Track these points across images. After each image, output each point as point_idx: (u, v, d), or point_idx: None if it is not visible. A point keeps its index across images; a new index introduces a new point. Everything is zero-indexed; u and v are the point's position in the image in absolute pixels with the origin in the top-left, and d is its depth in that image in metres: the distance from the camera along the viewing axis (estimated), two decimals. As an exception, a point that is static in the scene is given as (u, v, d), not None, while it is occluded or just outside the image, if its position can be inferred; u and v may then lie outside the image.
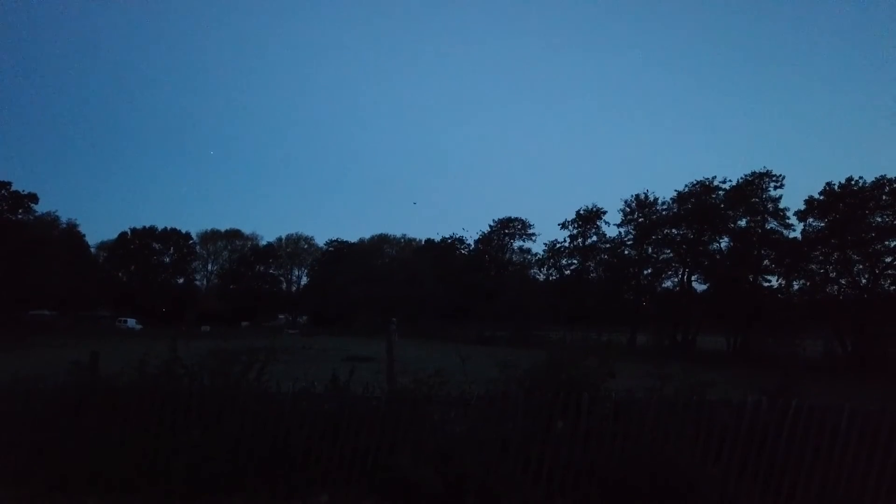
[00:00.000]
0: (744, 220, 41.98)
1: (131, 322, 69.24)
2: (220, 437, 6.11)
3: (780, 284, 40.38)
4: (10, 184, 61.21)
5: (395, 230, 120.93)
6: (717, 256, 43.47)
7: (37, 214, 67.17)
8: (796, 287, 39.16)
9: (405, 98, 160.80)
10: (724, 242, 43.62)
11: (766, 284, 41.05)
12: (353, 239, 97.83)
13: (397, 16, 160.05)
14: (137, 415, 6.25)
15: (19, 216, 62.79)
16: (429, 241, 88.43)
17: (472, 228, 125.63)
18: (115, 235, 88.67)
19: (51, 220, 73.68)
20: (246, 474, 5.99)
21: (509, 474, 5.91)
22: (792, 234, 39.99)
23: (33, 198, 62.57)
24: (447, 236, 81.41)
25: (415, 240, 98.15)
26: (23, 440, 6.22)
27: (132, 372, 6.81)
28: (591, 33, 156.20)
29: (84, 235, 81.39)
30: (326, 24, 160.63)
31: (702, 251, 43.77)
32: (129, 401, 6.29)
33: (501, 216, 72.20)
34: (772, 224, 40.87)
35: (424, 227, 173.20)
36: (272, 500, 5.86)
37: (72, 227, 78.40)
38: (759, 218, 41.25)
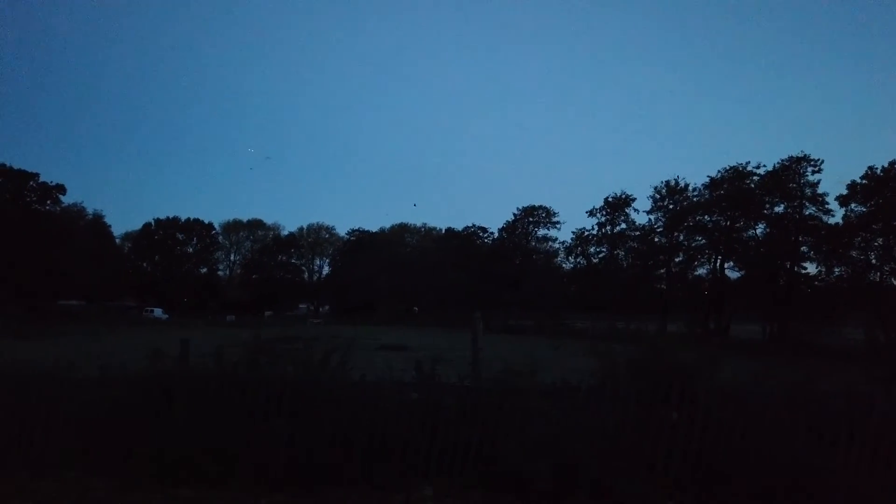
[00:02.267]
0: (781, 206, 40.92)
1: (158, 312, 69.95)
2: (314, 427, 5.83)
3: (818, 271, 39.49)
4: (37, 175, 61.85)
5: (416, 219, 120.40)
6: (752, 243, 42.53)
7: (63, 205, 67.96)
8: (836, 274, 38.25)
9: (427, 87, 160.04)
10: (759, 229, 42.68)
11: (803, 271, 40.12)
12: (374, 228, 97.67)
13: (422, 2, 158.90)
14: (227, 404, 5.98)
15: (48, 207, 63.43)
16: (449, 229, 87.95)
17: (493, 218, 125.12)
18: (139, 226, 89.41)
19: (77, 211, 74.44)
20: (344, 466, 5.71)
21: (622, 467, 5.56)
22: (831, 220, 39.11)
23: (61, 189, 63.17)
24: (469, 225, 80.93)
25: (435, 228, 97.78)
26: (107, 429, 5.99)
27: (211, 360, 6.59)
28: (617, 18, 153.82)
29: (110, 226, 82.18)
30: (351, 10, 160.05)
31: (736, 238, 42.81)
32: (219, 390, 6.02)
33: (524, 205, 71.56)
34: (810, 210, 39.96)
35: (445, 216, 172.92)
36: (373, 493, 5.56)
37: (98, 218, 79.15)
38: (796, 203, 40.23)
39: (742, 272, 43.65)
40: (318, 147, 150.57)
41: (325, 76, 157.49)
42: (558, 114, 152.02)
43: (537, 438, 5.67)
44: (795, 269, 40.28)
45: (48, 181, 62.72)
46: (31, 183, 61.54)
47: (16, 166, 61.18)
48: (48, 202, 63.20)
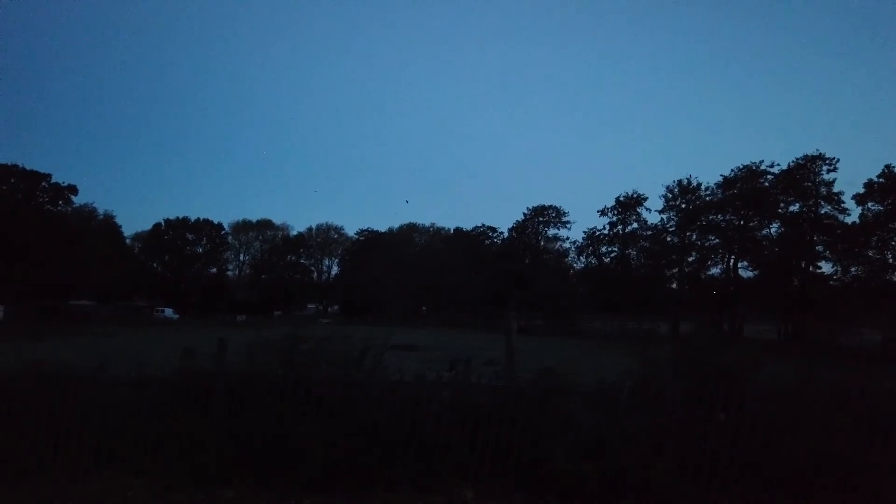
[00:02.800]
0: (796, 205, 40.52)
1: (168, 312, 70.26)
2: (354, 428, 5.76)
3: (834, 271, 39.08)
4: (50, 176, 62.23)
5: (424, 219, 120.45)
6: (765, 243, 42.17)
7: (75, 206, 68.36)
8: (852, 273, 37.82)
9: (436, 86, 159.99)
10: (773, 228, 42.28)
11: (818, 271, 39.67)
12: (383, 228, 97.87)
13: (429, 4, 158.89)
14: (267, 404, 5.91)
15: (60, 208, 63.80)
16: (458, 229, 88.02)
17: (502, 218, 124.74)
18: (149, 226, 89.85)
19: (89, 212, 74.88)
20: (384, 467, 5.63)
21: (669, 469, 5.45)
22: (847, 219, 38.65)
23: (73, 189, 63.54)
24: (478, 225, 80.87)
25: (444, 228, 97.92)
26: (145, 430, 5.93)
27: (234, 360, 6.52)
28: (630, 16, 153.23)
29: (121, 227, 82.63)
30: (362, 11, 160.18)
31: (750, 237, 42.44)
32: (258, 390, 5.95)
33: (534, 204, 71.39)
34: (825, 209, 39.51)
35: (454, 216, 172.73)
36: (415, 495, 5.47)
37: (108, 219, 79.60)
38: (811, 202, 39.83)
39: (756, 272, 43.26)
40: (327, 147, 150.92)
41: (335, 76, 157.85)
42: (567, 113, 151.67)
43: (582, 440, 5.57)
44: (810, 268, 39.89)
45: (60, 182, 63.13)
46: (44, 183, 61.95)
47: (28, 167, 61.61)
48: (60, 203, 63.54)
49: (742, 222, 43.10)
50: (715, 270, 46.21)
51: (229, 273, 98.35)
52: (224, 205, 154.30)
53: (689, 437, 5.59)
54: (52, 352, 13.50)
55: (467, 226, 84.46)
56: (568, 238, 64.72)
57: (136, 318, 64.70)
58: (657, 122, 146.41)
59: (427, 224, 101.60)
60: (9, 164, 60.52)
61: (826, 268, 39.74)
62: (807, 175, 39.78)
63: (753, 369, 6.23)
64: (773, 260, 40.21)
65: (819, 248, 39.66)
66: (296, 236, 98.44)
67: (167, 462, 5.76)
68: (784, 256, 39.70)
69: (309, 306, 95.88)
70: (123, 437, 5.92)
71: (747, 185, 42.25)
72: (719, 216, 44.27)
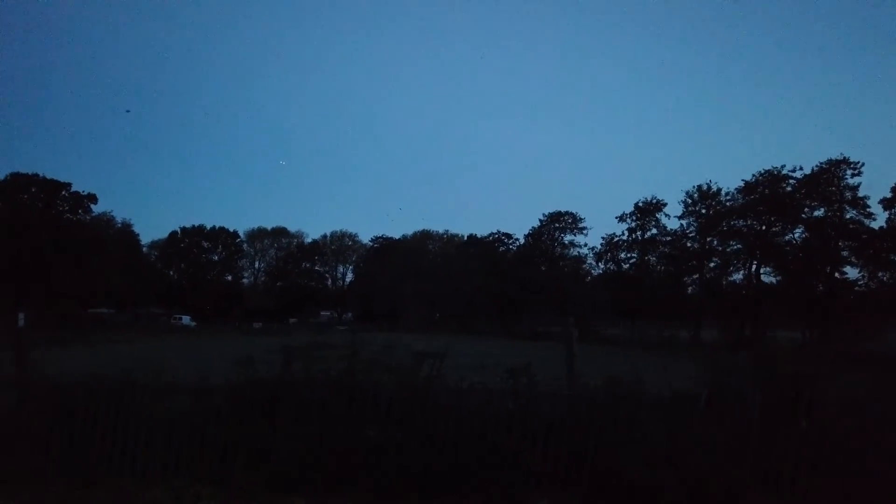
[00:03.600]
0: (821, 210, 40.02)
1: (186, 319, 70.69)
2: (423, 435, 5.67)
3: (860, 276, 38.51)
4: (69, 185, 62.90)
5: (437, 226, 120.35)
6: (787, 248, 41.70)
7: (94, 215, 69.03)
8: (879, 279, 37.24)
9: (448, 93, 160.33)
10: (797, 233, 41.80)
11: (844, 276, 39.14)
12: (397, 235, 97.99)
13: (441, 7, 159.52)
14: (332, 411, 5.84)
15: (79, 216, 64.44)
16: (471, 236, 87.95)
17: (516, 224, 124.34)
18: (165, 234, 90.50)
19: (107, 220, 75.57)
20: (455, 475, 5.53)
21: (748, 478, 5.32)
22: (874, 224, 38.06)
23: (93, 198, 64.12)
24: (494, 231, 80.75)
25: (457, 235, 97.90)
26: (209, 437, 5.87)
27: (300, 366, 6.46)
28: (645, 19, 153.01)
29: (138, 235, 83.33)
30: (375, 19, 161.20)
31: (773, 242, 42.00)
32: (326, 398, 5.88)
33: (546, 211, 71.12)
34: (851, 213, 39.01)
35: (467, 223, 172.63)
36: (486, 502, 5.38)
37: (126, 227, 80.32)
38: (835, 207, 39.34)
39: (779, 278, 42.77)
40: (341, 154, 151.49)
41: (348, 83, 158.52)
42: (582, 119, 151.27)
43: (658, 449, 5.45)
44: (835, 274, 39.37)
45: (80, 191, 63.79)
46: (64, 192, 62.59)
47: (48, 176, 62.28)
48: (80, 211, 64.19)
49: (764, 227, 42.63)
50: (737, 276, 45.76)
51: (244, 280, 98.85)
52: (239, 212, 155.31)
53: (768, 445, 5.46)
54: (87, 360, 13.49)
55: (481, 233, 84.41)
56: (586, 244, 64.26)
57: (155, 325, 65.18)
58: (674, 127, 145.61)
59: (441, 231, 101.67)
60: (29, 173, 61.33)
61: (852, 273, 39.23)
62: (831, 179, 39.35)
63: (831, 377, 6.10)
64: (797, 265, 39.70)
65: (844, 253, 39.13)
66: (310, 243, 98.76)
67: (235, 470, 5.71)
68: (808, 262, 39.17)
69: (322, 313, 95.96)
70: (189, 445, 5.87)
71: (769, 189, 41.84)
72: (741, 221, 43.83)
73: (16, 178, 60.22)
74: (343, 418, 5.80)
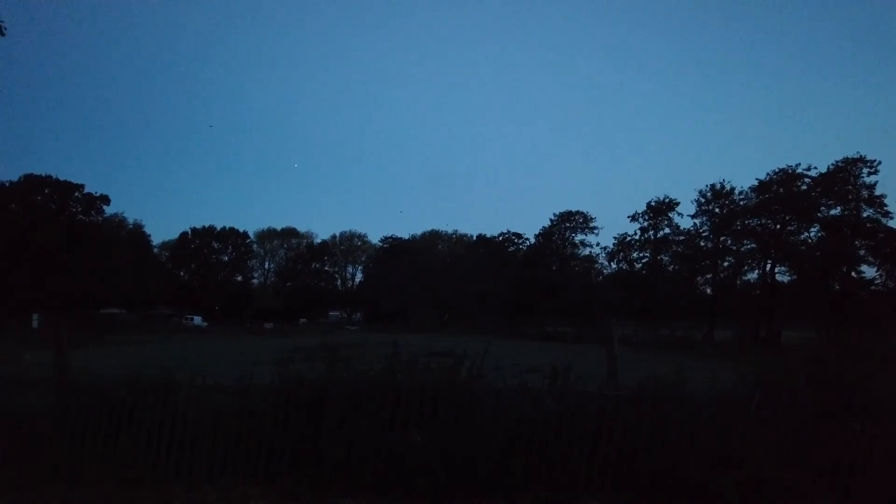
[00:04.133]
0: (837, 209, 39.65)
1: (197, 319, 71.00)
2: (467, 436, 5.61)
3: (878, 275, 38.11)
4: (83, 186, 63.35)
5: (446, 226, 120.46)
6: (802, 247, 41.37)
7: (105, 216, 69.47)
8: (897, 278, 36.92)
9: (457, 93, 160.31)
10: (813, 232, 41.41)
11: (860, 276, 38.75)
12: (405, 235, 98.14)
13: (452, 8, 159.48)
14: (377, 412, 5.78)
15: (92, 218, 64.86)
16: (480, 236, 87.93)
17: (524, 224, 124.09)
18: (176, 235, 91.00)
19: (118, 221, 76.07)
20: (502, 476, 5.48)
21: (804, 480, 5.23)
22: (890, 223, 37.62)
23: (105, 199, 64.60)
24: (504, 231, 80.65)
25: (466, 235, 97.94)
26: (254, 438, 5.83)
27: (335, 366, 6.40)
28: (653, 19, 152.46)
29: (149, 236, 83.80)
30: (384, 19, 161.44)
31: (789, 242, 41.67)
32: (371, 398, 5.82)
33: (557, 211, 70.98)
34: (867, 212, 38.63)
35: (476, 223, 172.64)
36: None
37: (138, 228, 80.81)
38: (851, 206, 38.97)
39: (794, 277, 42.41)
40: (350, 155, 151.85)
41: (358, 84, 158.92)
42: (592, 118, 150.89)
43: (710, 450, 5.37)
44: (852, 273, 39.01)
45: (93, 192, 64.21)
46: (77, 194, 63.02)
47: (61, 178, 62.74)
48: (92, 213, 64.61)
49: (779, 227, 42.30)
50: (751, 275, 45.40)
51: (254, 281, 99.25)
52: (249, 213, 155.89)
53: (822, 447, 5.38)
54: (104, 361, 13.52)
55: (490, 233, 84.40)
56: (598, 244, 64.01)
57: (167, 326, 65.47)
58: (686, 127, 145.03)
59: (450, 231, 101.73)
60: (42, 175, 61.80)
61: (869, 272, 38.84)
62: (847, 178, 38.98)
63: (884, 377, 6.01)
64: (812, 264, 39.36)
65: (861, 251, 38.76)
66: (320, 244, 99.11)
67: (282, 471, 5.68)
68: (824, 261, 38.82)
69: (331, 313, 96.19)
70: (235, 445, 5.84)
71: (784, 188, 41.51)
72: (755, 220, 43.49)
73: (29, 179, 60.70)
74: (388, 419, 5.75)
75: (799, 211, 40.48)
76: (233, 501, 5.31)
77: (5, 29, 6.63)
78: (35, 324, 57.05)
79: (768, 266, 43.80)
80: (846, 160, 38.61)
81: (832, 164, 39.35)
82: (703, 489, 5.18)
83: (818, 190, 40.15)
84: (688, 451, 5.40)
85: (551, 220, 68.46)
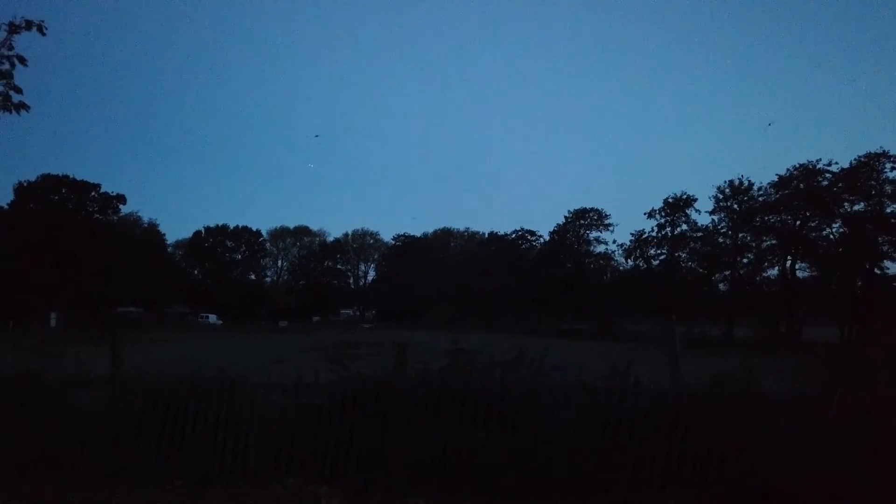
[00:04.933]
0: (861, 204, 39.14)
1: (212, 318, 71.35)
2: (536, 436, 5.53)
3: (903, 271, 37.53)
4: (99, 186, 63.83)
5: (458, 224, 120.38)
6: (824, 244, 40.91)
7: (121, 215, 69.96)
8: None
9: (469, 90, 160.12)
10: (835, 227, 40.94)
11: (884, 272, 38.24)
12: (418, 233, 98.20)
13: (462, 5, 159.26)
14: (442, 412, 5.71)
15: (108, 217, 65.33)
16: (493, 234, 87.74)
17: (537, 221, 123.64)
18: (189, 234, 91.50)
19: (134, 220, 76.59)
20: (573, 477, 5.38)
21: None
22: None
23: (122, 199, 65.06)
24: (517, 229, 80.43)
25: (478, 233, 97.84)
26: (321, 437, 5.77)
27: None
28: (667, 12, 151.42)
29: (164, 234, 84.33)
30: (392, 16, 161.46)
31: (811, 238, 41.22)
32: (438, 397, 5.75)
33: (571, 208, 70.70)
34: (891, 207, 38.06)
35: (488, 220, 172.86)
36: (611, 505, 5.21)
37: (153, 227, 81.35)
38: (873, 201, 38.45)
39: (815, 273, 41.96)
40: (362, 153, 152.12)
41: (370, 82, 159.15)
42: (607, 115, 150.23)
43: (787, 451, 5.25)
44: (875, 269, 38.51)
45: (109, 191, 64.65)
46: (93, 193, 63.48)
47: (78, 177, 63.21)
48: (109, 212, 65.08)
49: (799, 223, 41.84)
50: (771, 272, 44.92)
51: (267, 279, 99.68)
52: (262, 212, 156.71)
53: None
54: (133, 359, 13.51)
55: (502, 230, 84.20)
56: (615, 241, 63.66)
57: (182, 324, 65.90)
58: (702, 122, 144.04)
59: (462, 229, 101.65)
60: (59, 174, 62.30)
61: (893, 268, 38.27)
62: (869, 173, 38.48)
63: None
64: (835, 261, 38.90)
65: (884, 247, 38.24)
66: (332, 242, 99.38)
67: (349, 469, 5.62)
68: (847, 257, 38.35)
69: (343, 311, 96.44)
70: (302, 444, 5.78)
71: (805, 184, 41.05)
72: (774, 216, 43.04)
73: (47, 179, 61.20)
74: (455, 418, 5.68)
75: (820, 206, 40.00)
76: (303, 500, 5.25)
77: (45, 29, 6.57)
78: (53, 322, 57.65)
79: (788, 263, 43.37)
80: (869, 155, 38.13)
81: (854, 160, 38.91)
82: (783, 492, 5.06)
83: (840, 185, 39.67)
84: (767, 453, 5.28)
85: (566, 217, 68.23)
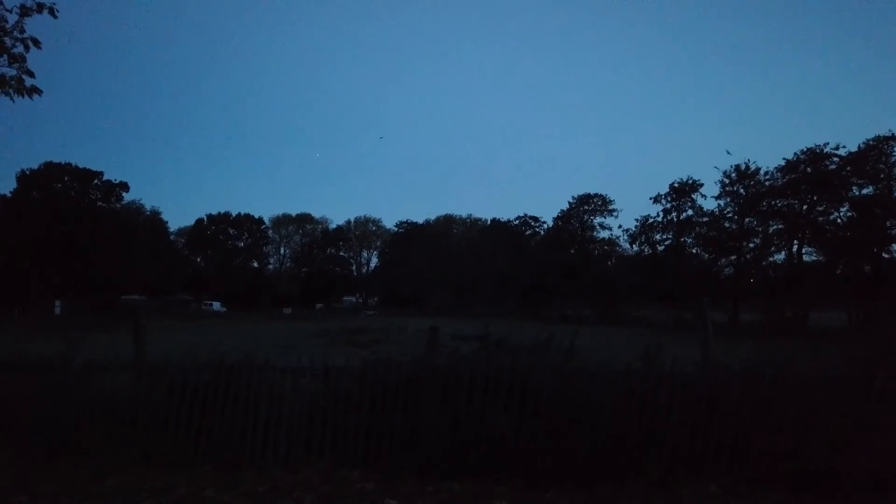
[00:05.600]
0: (869, 187, 38.84)
1: (216, 305, 71.40)
2: (570, 419, 5.45)
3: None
4: (101, 173, 63.57)
5: (460, 210, 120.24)
6: (829, 227, 40.72)
7: (123, 203, 69.76)
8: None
9: (471, 75, 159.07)
10: (842, 211, 40.67)
11: (893, 256, 38.05)
12: (420, 220, 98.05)
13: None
14: (475, 396, 5.63)
15: (111, 205, 65.17)
16: (495, 220, 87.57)
17: (540, 209, 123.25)
18: (191, 222, 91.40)
19: (136, 208, 76.44)
20: (612, 461, 5.31)
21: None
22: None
23: (125, 186, 64.86)
24: (521, 215, 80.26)
25: (481, 220, 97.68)
26: (347, 421, 5.70)
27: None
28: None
29: (167, 222, 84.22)
30: (393, 2, 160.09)
31: (819, 222, 41.01)
32: (470, 381, 5.67)
33: (573, 194, 70.53)
34: (902, 191, 37.75)
35: (489, 207, 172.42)
36: (649, 489, 5.13)
37: (155, 215, 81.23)
38: (882, 185, 38.17)
39: (823, 257, 41.79)
40: (364, 140, 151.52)
41: (371, 69, 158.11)
42: (610, 99, 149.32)
43: (827, 434, 5.18)
44: (883, 254, 38.35)
45: (112, 179, 64.43)
46: (96, 181, 63.27)
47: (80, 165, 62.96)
48: (112, 199, 64.90)
49: (806, 207, 41.62)
50: (778, 257, 44.75)
51: (270, 267, 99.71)
52: (264, 199, 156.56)
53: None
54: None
55: (504, 217, 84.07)
56: (620, 226, 63.71)
57: (187, 311, 65.92)
58: (708, 108, 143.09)
59: (464, 215, 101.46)
60: (62, 162, 62.07)
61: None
62: (878, 156, 38.15)
63: None
64: (842, 245, 38.72)
65: (893, 231, 38.00)
66: (335, 229, 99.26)
67: (381, 454, 5.56)
68: (854, 241, 38.16)
69: (345, 298, 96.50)
70: (330, 428, 5.72)
71: (812, 168, 40.77)
72: (781, 201, 42.79)
73: (49, 167, 60.97)
74: (488, 402, 5.60)
75: (828, 190, 39.74)
76: (336, 483, 5.19)
77: (57, 11, 6.45)
78: (58, 310, 57.72)
79: (795, 247, 43.21)
80: (878, 138, 37.79)
81: (863, 143, 38.59)
82: (827, 472, 4.98)
83: (848, 169, 39.36)
84: (807, 434, 5.21)
85: (569, 203, 68.07)
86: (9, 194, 60.05)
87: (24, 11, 5.98)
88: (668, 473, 5.25)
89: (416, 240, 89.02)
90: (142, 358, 6.65)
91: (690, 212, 50.31)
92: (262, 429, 5.74)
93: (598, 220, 66.58)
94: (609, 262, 64.13)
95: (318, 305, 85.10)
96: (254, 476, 5.34)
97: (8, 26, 6.03)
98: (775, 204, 43.16)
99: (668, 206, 51.32)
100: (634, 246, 55.62)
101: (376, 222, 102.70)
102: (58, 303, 57.85)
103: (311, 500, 4.73)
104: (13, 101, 6.63)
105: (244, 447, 5.68)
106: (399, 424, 5.62)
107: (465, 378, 5.64)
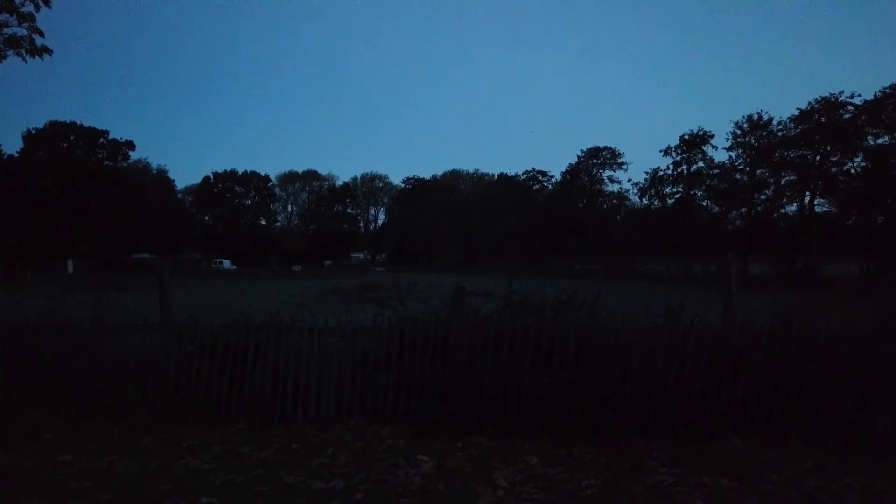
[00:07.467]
0: (885, 137, 37.99)
1: (226, 263, 71.89)
2: (601, 375, 5.50)
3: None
4: (107, 132, 63.03)
5: (467, 165, 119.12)
6: (844, 178, 40.10)
7: (130, 161, 69.40)
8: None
9: (477, 28, 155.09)
10: (856, 161, 39.97)
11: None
12: (427, 175, 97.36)
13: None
14: (502, 352, 5.67)
15: (118, 164, 64.87)
16: (502, 174, 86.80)
17: (548, 162, 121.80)
18: (198, 180, 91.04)
19: (143, 167, 76.11)
20: (640, 415, 5.38)
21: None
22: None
23: (131, 145, 64.38)
24: (529, 169, 79.48)
25: (487, 174, 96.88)
26: (375, 379, 5.78)
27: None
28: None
29: (174, 181, 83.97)
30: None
31: (832, 172, 40.39)
32: (497, 339, 5.70)
33: (583, 147, 69.45)
34: (916, 140, 36.96)
35: (496, 161, 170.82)
36: (675, 444, 5.20)
37: (162, 173, 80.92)
38: None
39: (835, 209, 41.35)
40: (370, 95, 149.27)
41: (375, 22, 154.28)
42: (620, 50, 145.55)
43: (865, 386, 5.20)
44: (896, 205, 37.87)
45: (118, 138, 63.92)
46: (102, 140, 62.79)
47: (86, 124, 62.38)
48: (118, 158, 64.56)
49: (819, 157, 40.92)
50: (789, 208, 44.28)
51: (277, 224, 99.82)
52: (270, 156, 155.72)
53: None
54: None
55: (511, 171, 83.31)
56: (630, 180, 62.96)
57: (197, 270, 66.40)
58: (719, 57, 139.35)
59: (471, 170, 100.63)
60: (67, 121, 61.51)
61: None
62: (895, 105, 37.17)
63: None
64: (856, 195, 38.23)
65: (908, 182, 37.44)
66: (342, 186, 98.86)
67: (410, 410, 5.64)
68: (868, 192, 37.63)
69: (353, 255, 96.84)
70: (359, 386, 5.81)
71: (826, 117, 39.86)
72: (794, 151, 42.03)
73: (55, 126, 60.48)
74: (515, 359, 5.64)
75: (842, 140, 38.95)
76: (367, 439, 5.29)
77: None
78: (70, 269, 58.23)
79: (807, 198, 42.71)
80: (894, 86, 36.79)
81: (879, 91, 37.57)
82: (856, 426, 5.03)
83: (863, 118, 38.48)
84: (832, 388, 5.24)
85: (578, 156, 67.15)
86: (15, 154, 59.84)
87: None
88: (694, 428, 5.33)
89: (424, 196, 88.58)
90: (168, 317, 6.70)
91: (701, 164, 49.66)
92: (292, 388, 5.82)
93: (607, 173, 65.80)
94: (618, 217, 63.67)
95: (327, 262, 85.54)
96: (286, 434, 5.45)
97: None
98: (788, 155, 42.44)
99: (679, 158, 50.59)
100: (644, 199, 55.16)
101: (383, 178, 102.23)
102: (70, 262, 58.27)
103: (346, 457, 4.82)
104: (25, 61, 6.53)
105: (275, 406, 5.78)
106: (427, 382, 5.69)
107: (491, 335, 5.67)
